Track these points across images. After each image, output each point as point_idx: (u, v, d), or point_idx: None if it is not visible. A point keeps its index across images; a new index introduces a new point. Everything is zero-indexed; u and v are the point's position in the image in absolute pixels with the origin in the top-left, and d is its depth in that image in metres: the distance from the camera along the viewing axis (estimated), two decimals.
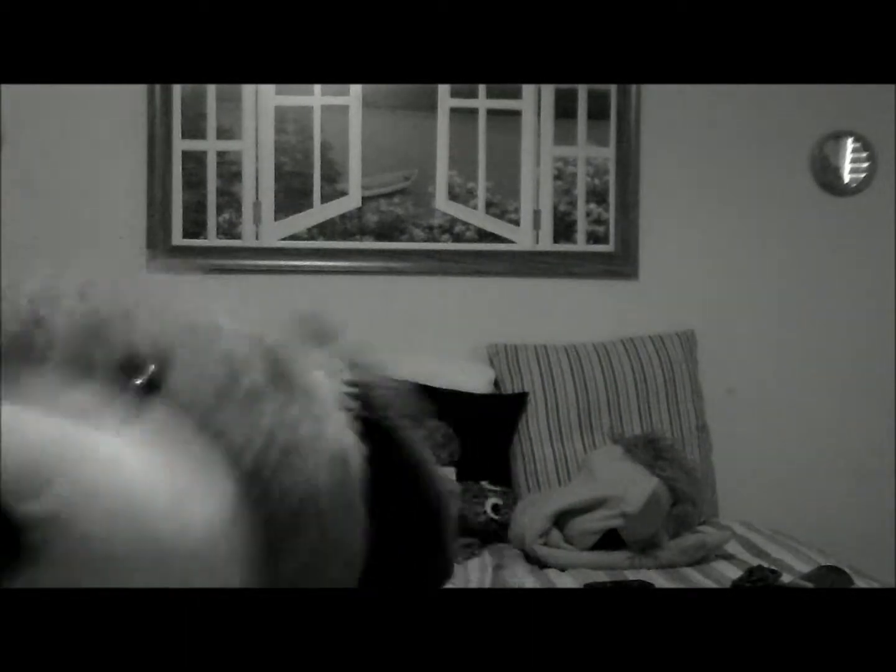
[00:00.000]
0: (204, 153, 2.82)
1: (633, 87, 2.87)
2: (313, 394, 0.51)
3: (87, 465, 0.41)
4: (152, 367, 0.47)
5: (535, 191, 2.90)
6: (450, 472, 2.34)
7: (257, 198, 2.84)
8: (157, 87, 2.76)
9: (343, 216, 2.86)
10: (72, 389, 0.45)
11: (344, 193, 2.86)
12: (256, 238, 2.83)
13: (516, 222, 2.90)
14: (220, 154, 2.83)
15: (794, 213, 2.97)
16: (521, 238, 2.90)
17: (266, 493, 0.46)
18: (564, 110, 2.90)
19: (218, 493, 0.45)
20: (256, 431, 0.47)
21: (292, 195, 2.85)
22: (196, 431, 0.46)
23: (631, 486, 2.28)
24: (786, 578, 2.01)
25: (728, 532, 2.44)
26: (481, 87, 2.86)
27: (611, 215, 2.92)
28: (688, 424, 2.78)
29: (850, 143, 2.98)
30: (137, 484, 0.42)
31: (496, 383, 2.78)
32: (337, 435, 0.51)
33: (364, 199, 2.86)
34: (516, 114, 2.89)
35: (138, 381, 0.46)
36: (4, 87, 2.61)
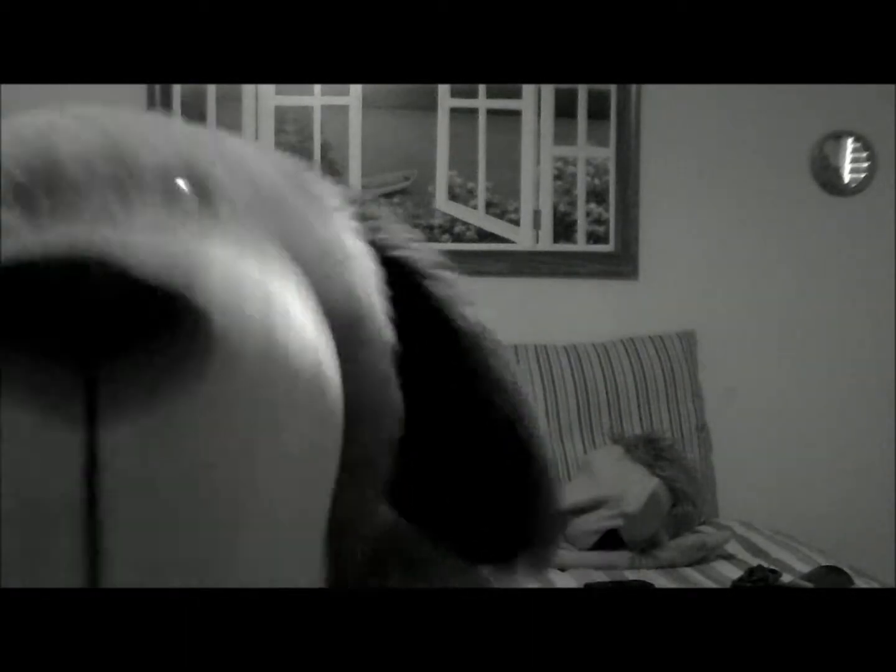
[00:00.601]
0: None
1: (633, 87, 2.87)
2: (322, 198, 0.52)
3: (221, 266, 0.39)
4: (197, 185, 0.45)
5: (535, 191, 2.90)
6: None
7: None
8: (157, 87, 2.76)
9: None
10: (129, 211, 0.42)
11: None
12: None
13: (516, 222, 2.90)
14: None
15: (794, 213, 2.97)
16: (521, 238, 2.90)
17: (317, 291, 0.45)
18: (564, 110, 2.90)
19: (299, 296, 0.43)
20: (293, 236, 0.47)
21: None
22: (259, 238, 0.44)
23: (631, 487, 2.28)
24: (786, 578, 2.01)
25: (728, 532, 2.44)
26: (481, 87, 2.86)
27: (611, 215, 2.92)
28: (688, 424, 2.78)
29: (850, 143, 2.98)
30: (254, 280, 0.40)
31: None
32: (347, 237, 0.51)
33: None
34: (516, 114, 2.89)
35: (190, 192, 0.44)
36: (4, 87, 2.61)
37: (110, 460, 0.36)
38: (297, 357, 0.40)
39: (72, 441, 0.36)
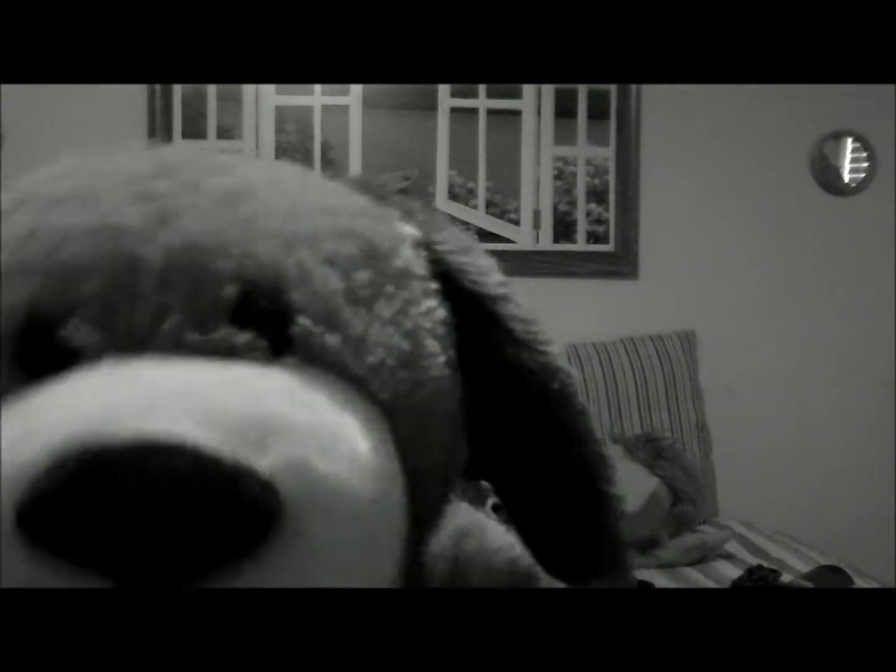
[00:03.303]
0: None
1: (633, 87, 2.87)
2: (409, 273, 0.50)
3: (303, 414, 0.39)
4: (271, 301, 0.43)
5: (535, 191, 2.90)
6: None
7: None
8: (157, 87, 2.76)
9: None
10: (206, 329, 0.42)
11: None
12: None
13: (516, 222, 2.90)
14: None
15: (794, 213, 2.97)
16: (521, 238, 2.90)
17: (399, 392, 0.45)
18: (564, 110, 2.90)
19: (371, 427, 0.43)
20: (383, 330, 0.45)
21: None
22: (337, 348, 0.43)
23: (631, 486, 2.28)
24: (786, 578, 2.01)
25: (728, 532, 2.43)
26: (481, 87, 2.86)
27: (611, 215, 2.92)
28: (688, 424, 2.78)
29: (850, 143, 2.98)
30: (339, 429, 0.41)
31: None
32: (434, 310, 0.50)
33: None
34: (516, 114, 2.89)
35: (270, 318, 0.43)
36: (4, 87, 2.61)
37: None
38: (360, 497, 0.40)
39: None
